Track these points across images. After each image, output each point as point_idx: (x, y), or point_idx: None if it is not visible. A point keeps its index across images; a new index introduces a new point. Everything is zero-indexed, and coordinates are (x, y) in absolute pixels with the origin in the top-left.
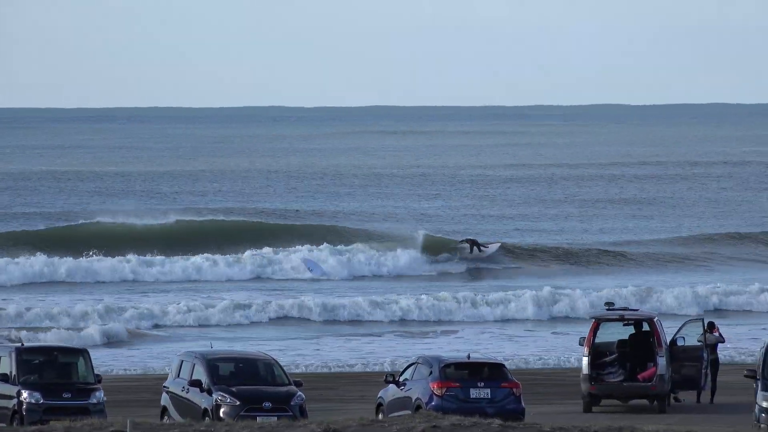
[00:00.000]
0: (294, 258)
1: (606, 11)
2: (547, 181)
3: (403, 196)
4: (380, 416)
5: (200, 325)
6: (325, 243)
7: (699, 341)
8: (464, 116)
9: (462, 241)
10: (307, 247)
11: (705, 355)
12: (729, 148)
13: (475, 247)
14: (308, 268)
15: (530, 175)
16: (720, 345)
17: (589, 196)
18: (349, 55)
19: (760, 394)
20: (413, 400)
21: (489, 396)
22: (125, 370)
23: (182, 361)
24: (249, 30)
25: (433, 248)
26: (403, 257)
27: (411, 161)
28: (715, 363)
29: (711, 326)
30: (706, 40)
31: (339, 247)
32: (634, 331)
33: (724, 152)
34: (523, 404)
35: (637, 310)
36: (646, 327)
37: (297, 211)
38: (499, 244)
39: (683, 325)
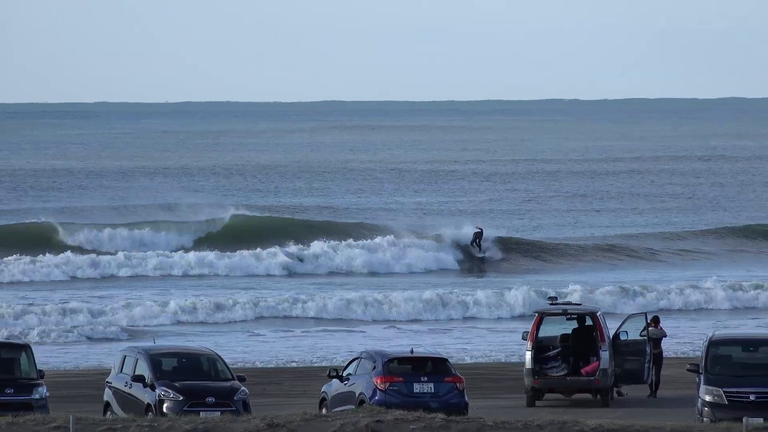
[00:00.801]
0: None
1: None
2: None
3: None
4: (324, 411)
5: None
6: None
7: (642, 336)
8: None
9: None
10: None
11: (648, 349)
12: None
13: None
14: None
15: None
16: (663, 339)
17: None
18: (290, 50)
19: (702, 387)
20: (357, 395)
21: (432, 390)
22: (66, 363)
23: (125, 356)
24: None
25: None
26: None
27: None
28: (658, 357)
29: (655, 321)
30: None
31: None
32: (577, 326)
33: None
34: (466, 398)
35: (580, 304)
36: (589, 321)
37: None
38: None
39: (626, 320)
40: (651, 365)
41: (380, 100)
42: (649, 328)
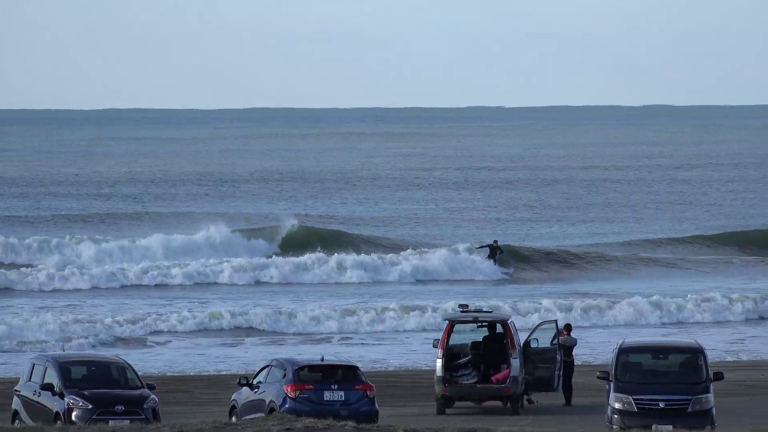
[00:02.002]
0: None
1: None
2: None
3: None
4: (234, 419)
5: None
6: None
7: (555, 343)
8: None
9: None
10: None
11: (558, 356)
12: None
13: (496, 252)
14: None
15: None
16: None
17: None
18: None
19: (612, 395)
20: (267, 403)
21: (343, 398)
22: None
23: (34, 364)
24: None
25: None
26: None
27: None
28: (570, 365)
29: (568, 328)
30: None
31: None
32: (488, 333)
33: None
34: (376, 406)
35: (491, 311)
36: (500, 329)
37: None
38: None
39: (536, 327)
40: (561, 373)
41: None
42: (562, 336)
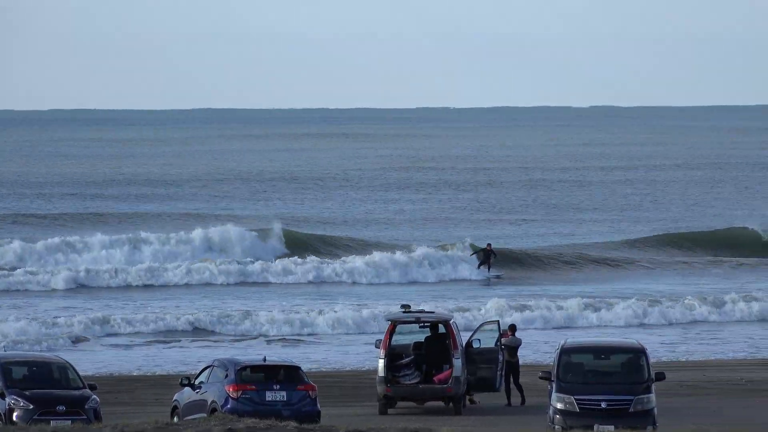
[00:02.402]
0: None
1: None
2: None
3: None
4: (176, 419)
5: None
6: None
7: (504, 344)
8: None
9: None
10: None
11: (501, 357)
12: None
13: (491, 257)
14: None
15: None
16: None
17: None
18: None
19: (554, 395)
20: (209, 403)
21: (285, 398)
22: None
23: None
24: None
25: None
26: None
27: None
28: (515, 366)
29: (512, 329)
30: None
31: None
32: (430, 334)
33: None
34: (318, 406)
35: (433, 312)
36: (442, 329)
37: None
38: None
39: (479, 327)
40: (504, 373)
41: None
42: (507, 337)
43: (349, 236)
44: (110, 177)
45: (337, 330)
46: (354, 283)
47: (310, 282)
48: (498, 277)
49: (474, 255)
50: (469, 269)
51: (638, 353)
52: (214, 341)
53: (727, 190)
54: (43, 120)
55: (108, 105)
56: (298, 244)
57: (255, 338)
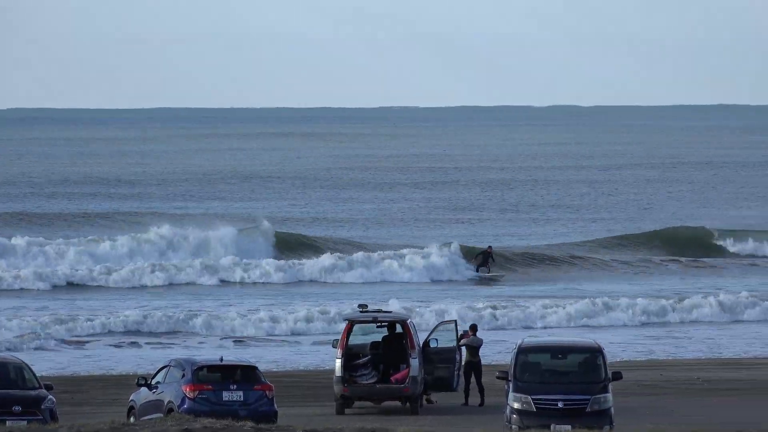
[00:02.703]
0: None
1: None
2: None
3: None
4: (132, 419)
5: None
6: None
7: (465, 343)
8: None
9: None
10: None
11: (458, 357)
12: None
13: (489, 258)
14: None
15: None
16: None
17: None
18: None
19: (511, 395)
20: (165, 403)
21: (242, 398)
22: None
23: None
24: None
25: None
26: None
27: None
28: (477, 365)
29: (473, 328)
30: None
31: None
32: (387, 333)
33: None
34: (275, 406)
35: (390, 311)
36: (399, 329)
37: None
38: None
39: (436, 327)
40: (461, 372)
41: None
42: (468, 337)
43: (323, 236)
44: (65, 176)
45: (297, 330)
46: (334, 282)
47: (289, 282)
48: (495, 278)
49: (476, 257)
50: (455, 270)
51: (595, 353)
52: (171, 342)
53: (682, 189)
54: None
55: (67, 104)
56: (287, 245)
57: (222, 339)
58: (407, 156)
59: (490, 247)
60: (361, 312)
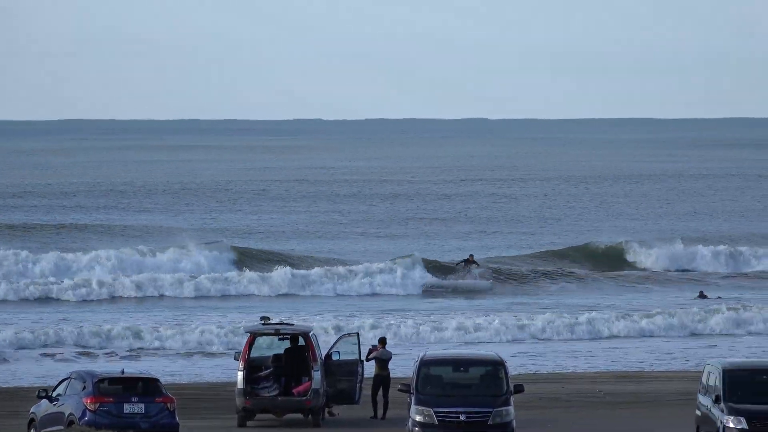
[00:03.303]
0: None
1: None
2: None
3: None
4: (32, 431)
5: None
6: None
7: (375, 356)
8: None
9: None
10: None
11: (360, 369)
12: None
13: (471, 265)
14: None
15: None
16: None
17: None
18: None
19: (413, 407)
20: (66, 416)
21: (143, 411)
22: None
23: None
24: None
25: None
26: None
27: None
28: (387, 379)
29: (382, 342)
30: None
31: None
32: (290, 346)
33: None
34: (177, 419)
35: (293, 324)
36: (301, 341)
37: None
38: (487, 281)
39: (338, 340)
40: (363, 385)
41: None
42: (377, 350)
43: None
44: None
45: (204, 341)
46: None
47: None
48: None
49: (458, 265)
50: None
51: (497, 365)
52: (68, 355)
53: (585, 203)
54: None
55: None
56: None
57: (133, 352)
58: (312, 168)
59: (471, 255)
60: (263, 324)
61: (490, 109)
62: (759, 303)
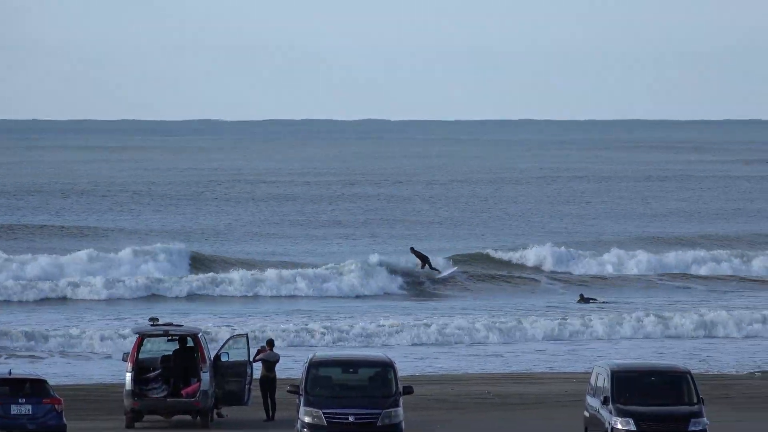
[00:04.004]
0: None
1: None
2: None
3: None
4: None
5: None
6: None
7: (261, 358)
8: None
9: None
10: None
11: (249, 371)
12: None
13: (426, 265)
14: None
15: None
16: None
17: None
18: None
19: (302, 409)
20: None
21: (30, 412)
22: None
23: None
24: None
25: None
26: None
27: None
28: (273, 381)
29: (270, 344)
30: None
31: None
32: (178, 347)
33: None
34: (64, 420)
35: (181, 325)
36: (190, 342)
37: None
38: (455, 268)
39: (227, 341)
40: (251, 386)
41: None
42: (264, 352)
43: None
44: None
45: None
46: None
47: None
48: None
49: (417, 265)
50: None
51: (386, 367)
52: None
53: (456, 209)
54: None
55: None
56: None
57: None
58: (215, 170)
59: (412, 247)
60: (152, 325)
61: (391, 111)
62: (636, 306)
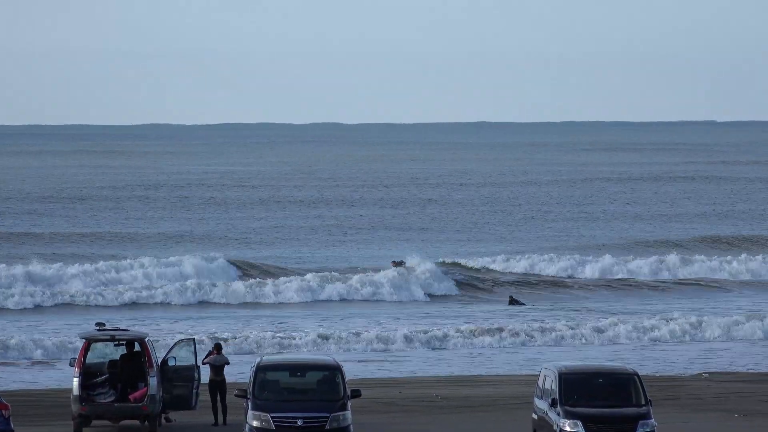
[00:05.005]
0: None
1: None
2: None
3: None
4: None
5: None
6: None
7: (209, 362)
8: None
9: (394, 262)
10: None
11: (197, 375)
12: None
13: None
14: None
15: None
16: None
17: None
18: None
19: (250, 413)
20: None
21: None
22: None
23: None
24: None
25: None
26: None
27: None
28: (222, 384)
29: (218, 348)
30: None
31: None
32: (126, 352)
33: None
34: (12, 426)
35: (128, 330)
36: (137, 347)
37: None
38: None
39: (174, 345)
40: (199, 390)
41: None
42: (212, 356)
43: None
44: None
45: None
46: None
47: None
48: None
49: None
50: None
51: (334, 370)
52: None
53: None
54: None
55: None
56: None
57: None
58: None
59: (393, 261)
60: (98, 330)
61: (346, 115)
62: (564, 310)
